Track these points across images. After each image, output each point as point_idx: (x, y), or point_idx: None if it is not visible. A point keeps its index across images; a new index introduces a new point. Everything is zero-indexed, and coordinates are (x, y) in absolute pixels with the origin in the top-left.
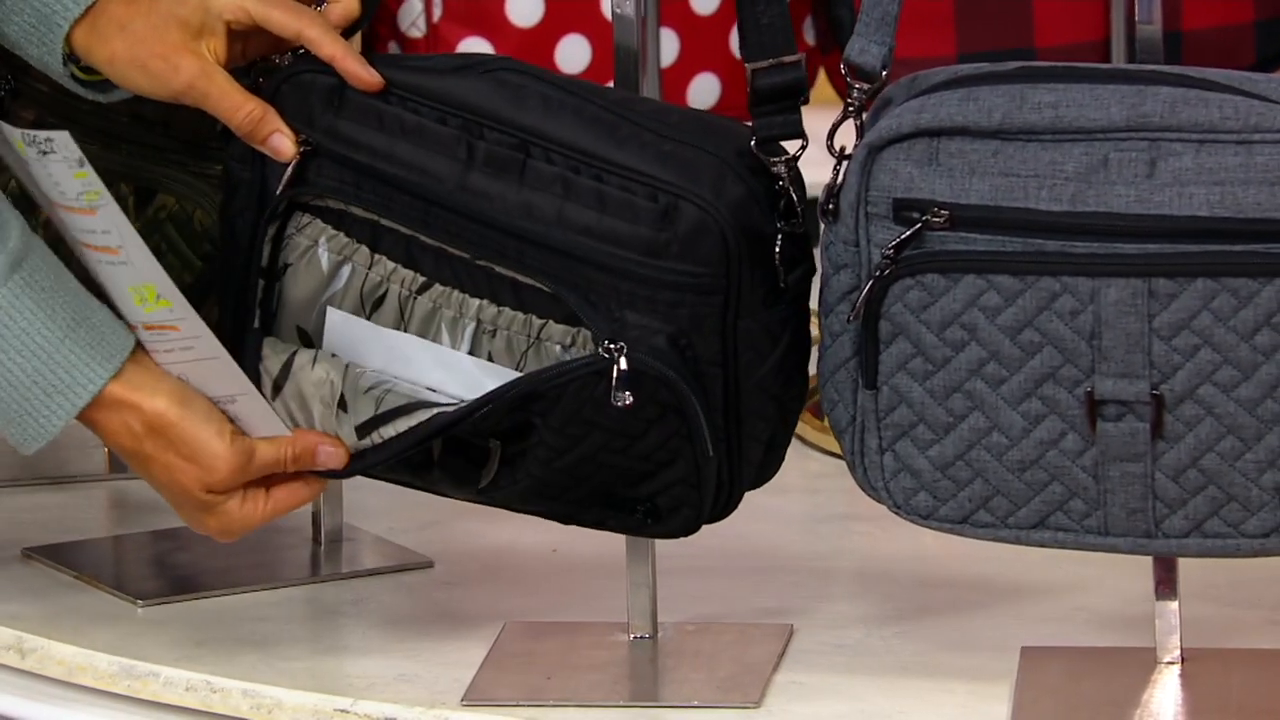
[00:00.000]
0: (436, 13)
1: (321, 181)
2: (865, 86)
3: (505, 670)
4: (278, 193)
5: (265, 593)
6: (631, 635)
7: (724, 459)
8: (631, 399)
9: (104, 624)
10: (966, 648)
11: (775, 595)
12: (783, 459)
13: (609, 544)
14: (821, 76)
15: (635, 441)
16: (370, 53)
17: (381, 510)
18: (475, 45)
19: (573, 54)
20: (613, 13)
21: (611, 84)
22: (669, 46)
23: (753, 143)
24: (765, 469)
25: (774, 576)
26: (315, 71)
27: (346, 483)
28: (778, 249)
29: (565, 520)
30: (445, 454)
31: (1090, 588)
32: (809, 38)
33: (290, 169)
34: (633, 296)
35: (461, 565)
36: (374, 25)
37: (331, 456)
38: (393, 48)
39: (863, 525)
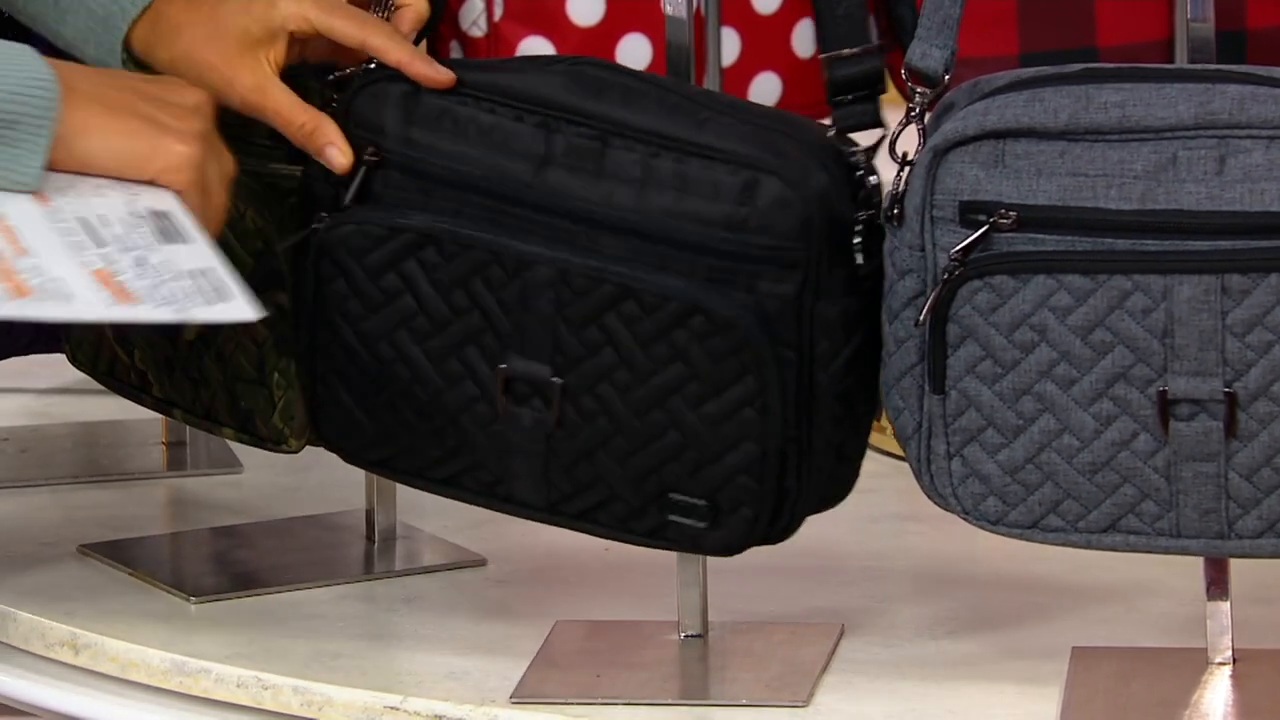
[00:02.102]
0: (498, 12)
1: (388, 194)
2: (926, 91)
3: (555, 668)
4: (345, 204)
5: (318, 590)
6: (682, 634)
7: (792, 458)
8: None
9: (157, 621)
10: (1018, 649)
11: (827, 595)
12: (852, 480)
13: None
14: None
15: (709, 397)
16: (435, 55)
17: (435, 509)
18: (536, 45)
19: (634, 53)
20: (666, 13)
21: None
22: (730, 45)
23: (831, 131)
24: (835, 484)
25: (827, 576)
26: (387, 80)
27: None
28: (857, 237)
29: (620, 528)
30: None
31: (1142, 589)
32: (872, 38)
33: (356, 181)
34: (712, 270)
35: (514, 564)
36: (435, 23)
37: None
38: (454, 47)
39: (917, 525)
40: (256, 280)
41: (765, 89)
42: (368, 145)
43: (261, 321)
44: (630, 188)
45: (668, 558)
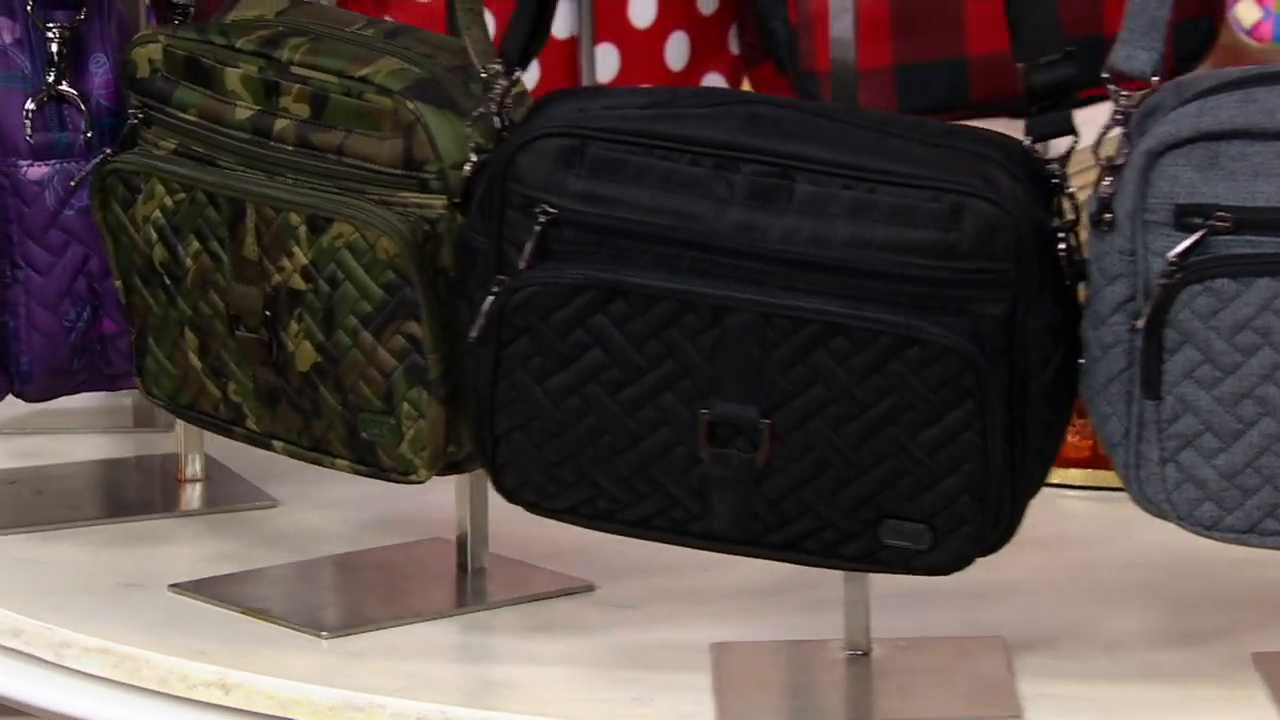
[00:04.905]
0: None
1: (565, 250)
2: (1132, 94)
3: (745, 696)
4: (521, 267)
5: (440, 621)
6: (847, 652)
7: (1009, 471)
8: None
9: (300, 656)
10: (1198, 658)
11: (983, 609)
12: (1043, 481)
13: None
14: None
15: (928, 424)
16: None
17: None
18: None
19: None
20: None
21: None
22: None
23: (1028, 140)
24: (1035, 488)
25: (980, 588)
26: (545, 136)
27: (495, 510)
28: (1061, 245)
29: (828, 555)
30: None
31: None
32: (733, 48)
33: (533, 241)
34: (920, 298)
35: (621, 587)
36: None
37: None
38: None
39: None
40: (387, 311)
41: None
42: (538, 204)
43: (390, 351)
44: (822, 222)
45: (775, 574)
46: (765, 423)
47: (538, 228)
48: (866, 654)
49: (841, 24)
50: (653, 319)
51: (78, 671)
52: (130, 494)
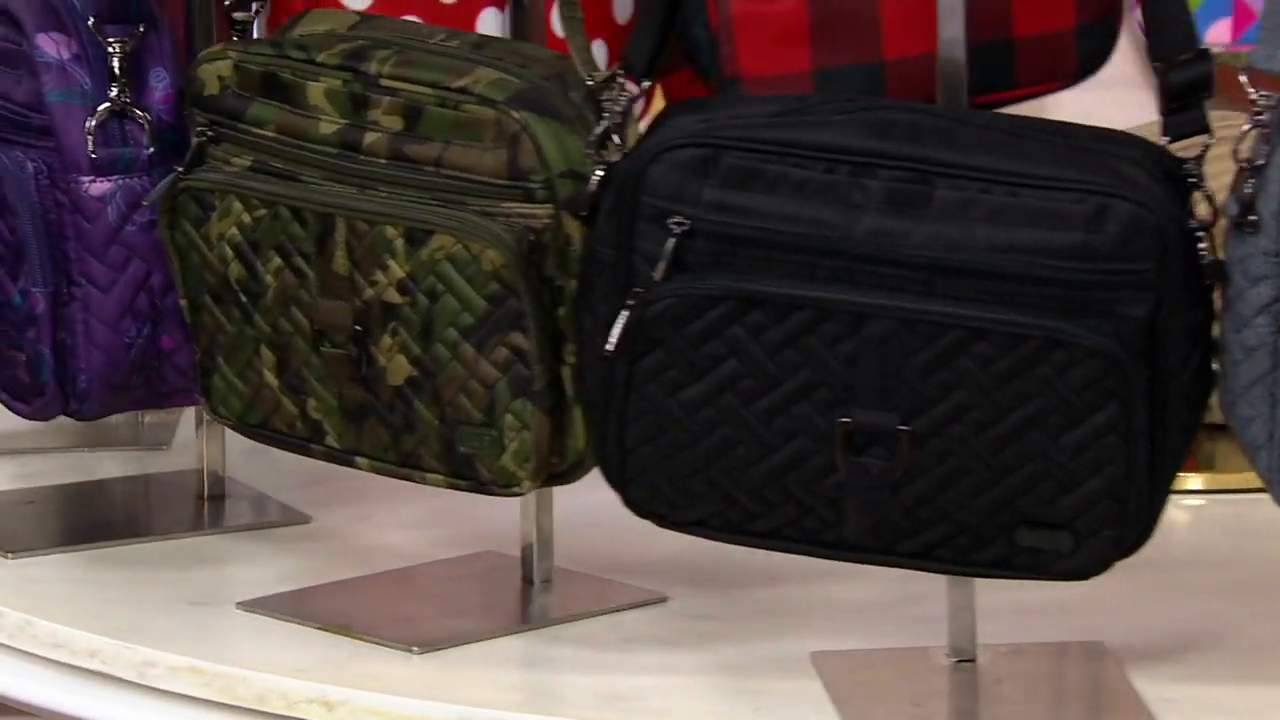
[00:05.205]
0: None
1: (699, 261)
2: (1271, 94)
3: (868, 705)
4: (655, 279)
5: (527, 632)
6: (952, 659)
7: (1149, 473)
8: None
9: (401, 672)
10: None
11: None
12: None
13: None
14: None
15: (1071, 427)
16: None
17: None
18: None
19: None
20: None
21: None
22: (600, 56)
23: (1166, 140)
24: (1170, 486)
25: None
26: (678, 147)
27: (560, 525)
28: (1202, 245)
29: (961, 562)
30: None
31: None
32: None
33: (668, 253)
34: (1063, 301)
35: (693, 596)
36: None
37: None
38: None
39: None
40: (490, 323)
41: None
42: (671, 215)
43: (492, 363)
44: (963, 226)
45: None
46: (904, 430)
47: (672, 239)
48: (972, 661)
49: (951, 25)
50: (789, 328)
51: (165, 691)
52: (161, 512)
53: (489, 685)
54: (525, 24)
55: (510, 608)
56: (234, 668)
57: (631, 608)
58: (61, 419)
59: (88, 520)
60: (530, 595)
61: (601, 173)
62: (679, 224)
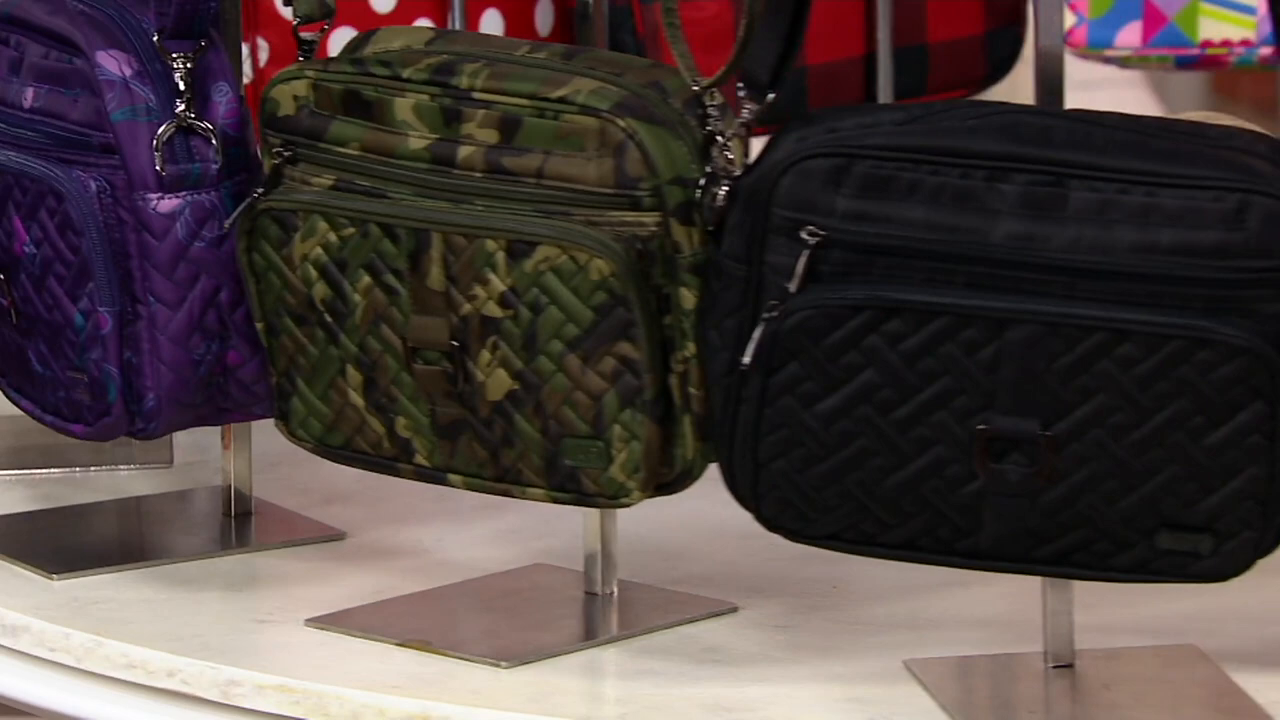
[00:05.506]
0: None
1: (833, 271)
2: None
3: (982, 713)
4: (791, 291)
5: (609, 644)
6: (1050, 664)
7: None
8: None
9: (489, 686)
10: None
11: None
12: None
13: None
14: None
15: (1214, 428)
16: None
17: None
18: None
19: None
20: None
21: None
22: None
23: None
24: None
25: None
26: (811, 156)
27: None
28: None
29: (1100, 567)
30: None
31: None
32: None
33: (802, 264)
34: (1206, 300)
35: (756, 605)
36: None
37: None
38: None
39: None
40: (598, 333)
41: None
42: (804, 226)
43: (599, 374)
44: (1104, 229)
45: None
46: (1045, 435)
47: (807, 250)
48: (1070, 666)
49: (1050, 26)
50: (928, 336)
51: (250, 710)
52: (191, 531)
53: (591, 698)
54: (592, 34)
55: (580, 620)
56: (326, 685)
57: (704, 619)
58: (47, 440)
59: (120, 540)
60: (597, 607)
61: (728, 187)
62: (813, 234)
